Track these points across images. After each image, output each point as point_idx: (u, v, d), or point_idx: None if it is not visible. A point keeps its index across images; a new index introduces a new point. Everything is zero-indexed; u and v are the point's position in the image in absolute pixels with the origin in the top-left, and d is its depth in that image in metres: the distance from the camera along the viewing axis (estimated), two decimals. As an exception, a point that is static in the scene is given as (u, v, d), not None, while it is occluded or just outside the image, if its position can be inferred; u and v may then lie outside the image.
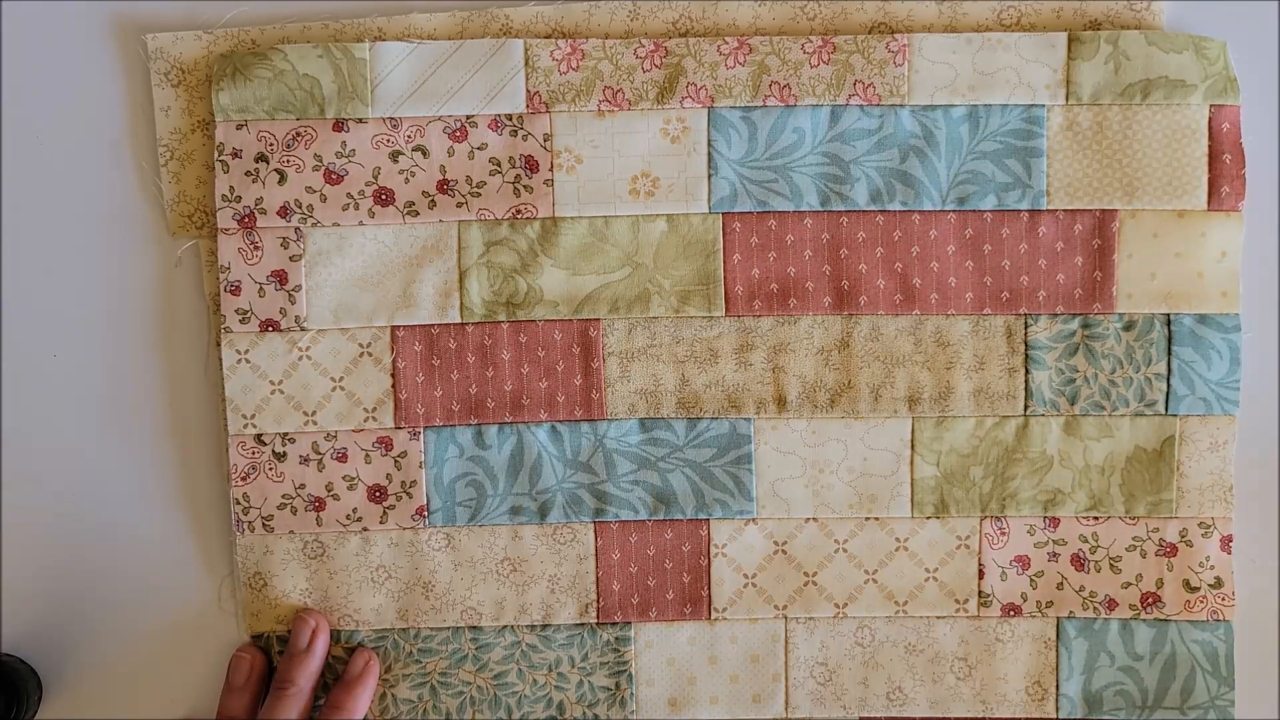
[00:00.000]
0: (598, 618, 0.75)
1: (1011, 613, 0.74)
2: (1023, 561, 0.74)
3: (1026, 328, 0.73)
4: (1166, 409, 0.73)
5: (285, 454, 0.74)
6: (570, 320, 0.74)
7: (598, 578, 0.75)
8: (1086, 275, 0.73)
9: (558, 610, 0.75)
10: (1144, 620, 0.74)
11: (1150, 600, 0.74)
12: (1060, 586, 0.74)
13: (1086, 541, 0.74)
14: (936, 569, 0.74)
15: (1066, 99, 0.72)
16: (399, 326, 0.73)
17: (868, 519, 0.74)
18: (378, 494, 0.74)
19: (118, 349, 0.75)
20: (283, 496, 0.74)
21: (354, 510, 0.74)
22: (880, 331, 0.74)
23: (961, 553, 0.74)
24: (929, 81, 0.72)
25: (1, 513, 0.75)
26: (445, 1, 0.74)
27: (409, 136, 0.73)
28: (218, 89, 0.72)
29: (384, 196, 0.73)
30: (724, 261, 0.73)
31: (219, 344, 0.73)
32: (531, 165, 0.73)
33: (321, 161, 0.73)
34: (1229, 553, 0.74)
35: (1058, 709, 0.74)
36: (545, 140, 0.73)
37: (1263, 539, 0.75)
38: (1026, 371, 0.73)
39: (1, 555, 0.75)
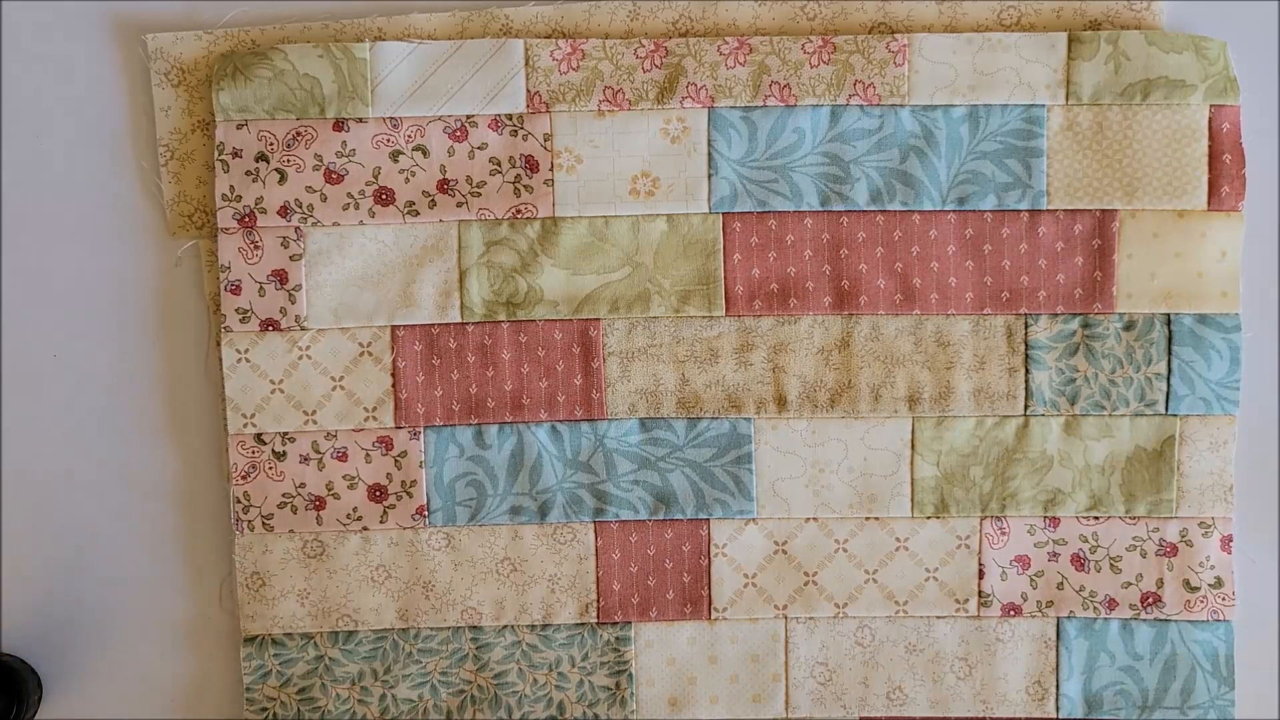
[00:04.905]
0: (598, 617, 0.75)
1: (1011, 613, 0.74)
2: (1023, 561, 0.74)
3: (1026, 328, 0.73)
4: (1166, 409, 0.73)
5: (285, 453, 0.74)
6: (570, 320, 0.74)
7: (598, 578, 0.74)
8: (1086, 275, 0.73)
9: (558, 610, 0.74)
10: (1144, 620, 0.74)
11: (1150, 600, 0.74)
12: (1060, 586, 0.74)
13: (1086, 541, 0.74)
14: (936, 569, 0.74)
15: (1066, 99, 0.72)
16: (399, 326, 0.73)
17: (868, 519, 0.74)
18: (378, 493, 0.74)
19: (118, 349, 0.75)
20: (283, 495, 0.74)
21: (354, 510, 0.74)
22: (880, 331, 0.74)
23: (961, 553, 0.74)
24: (929, 81, 0.72)
25: (1, 513, 0.75)
26: (445, 1, 0.74)
27: (409, 136, 0.73)
28: (218, 89, 0.72)
29: (384, 196, 0.73)
30: (724, 261, 0.73)
31: (219, 344, 0.73)
32: (531, 165, 0.73)
33: (321, 161, 0.73)
34: (1229, 553, 0.73)
35: (1058, 709, 0.74)
36: (545, 140, 0.73)
37: (1263, 539, 0.75)
38: (1026, 371, 0.73)
39: (1, 555, 0.75)
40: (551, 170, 0.73)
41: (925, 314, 0.73)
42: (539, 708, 0.75)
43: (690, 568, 0.75)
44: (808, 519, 0.74)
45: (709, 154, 0.73)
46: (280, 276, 0.73)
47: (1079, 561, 0.74)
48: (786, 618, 0.75)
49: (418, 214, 0.73)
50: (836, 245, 0.73)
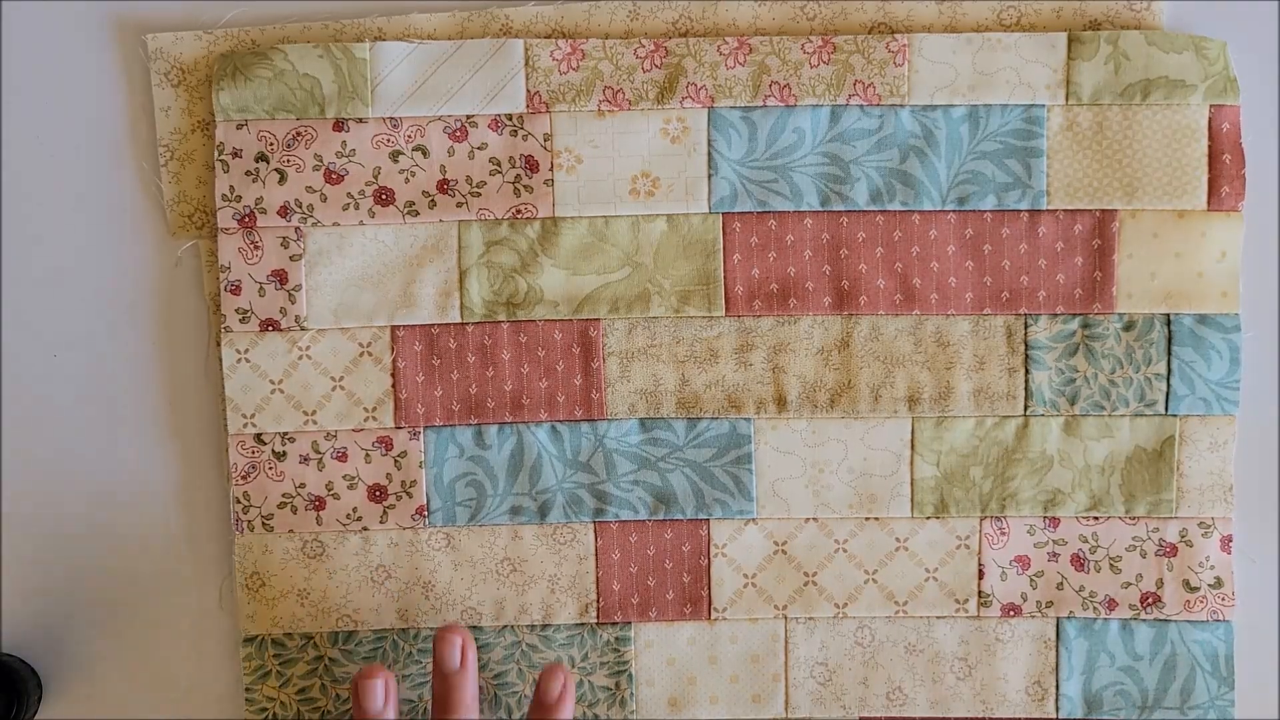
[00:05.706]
0: (598, 618, 0.75)
1: (1011, 613, 0.74)
2: (1023, 561, 0.74)
3: (1026, 328, 0.73)
4: (1166, 409, 0.73)
5: (285, 453, 0.74)
6: (570, 320, 0.74)
7: (598, 578, 0.75)
8: (1086, 275, 0.73)
9: (558, 610, 0.75)
10: (1144, 620, 0.74)
11: (1150, 600, 0.74)
12: (1060, 586, 0.74)
13: (1086, 541, 0.74)
14: (936, 569, 0.74)
15: (1066, 99, 0.72)
16: (399, 326, 0.74)
17: (868, 519, 0.74)
18: (378, 494, 0.74)
19: (118, 349, 0.75)
20: (283, 495, 0.74)
21: (354, 510, 0.74)
22: (880, 331, 0.74)
23: (961, 553, 0.74)
24: (929, 81, 0.72)
25: (1, 513, 0.75)
26: (445, 1, 0.74)
27: (409, 136, 0.73)
28: (218, 89, 0.72)
29: (384, 196, 0.73)
30: (724, 261, 0.73)
31: (219, 344, 0.73)
32: (531, 165, 0.73)
33: (321, 161, 0.73)
34: (1229, 553, 0.73)
35: (1058, 709, 0.74)
36: (545, 140, 0.73)
37: (1263, 539, 0.75)
38: (1026, 371, 0.73)
39: (1, 555, 0.75)
40: (551, 170, 0.73)
41: (925, 314, 0.73)
42: (539, 708, 0.75)
43: (690, 568, 0.75)
44: (808, 519, 0.74)
45: (709, 154, 0.73)
46: (280, 276, 0.73)
47: (1079, 562, 0.74)
48: (786, 618, 0.75)
49: (418, 214, 0.73)
50: (836, 245, 0.73)
